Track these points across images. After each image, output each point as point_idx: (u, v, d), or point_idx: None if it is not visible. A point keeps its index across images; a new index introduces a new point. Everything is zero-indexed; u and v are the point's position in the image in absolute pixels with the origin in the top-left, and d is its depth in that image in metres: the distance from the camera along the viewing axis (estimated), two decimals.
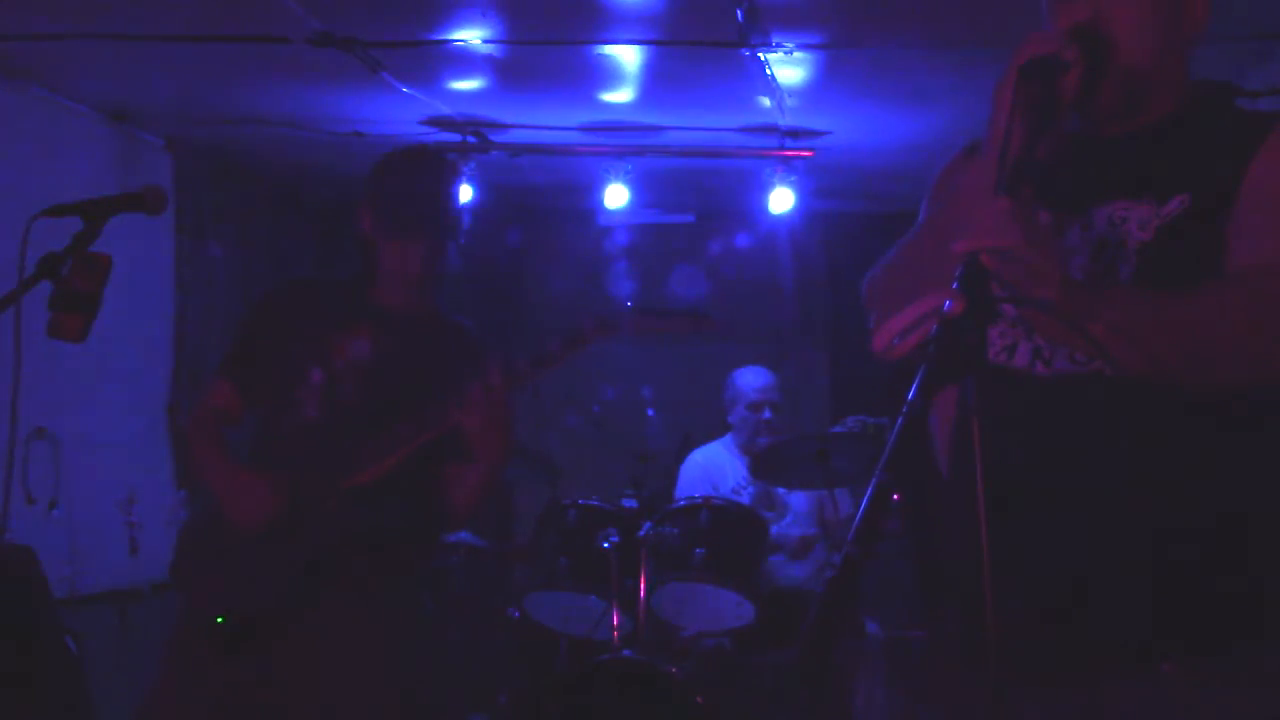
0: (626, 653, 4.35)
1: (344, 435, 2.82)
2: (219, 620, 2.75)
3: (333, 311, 2.95)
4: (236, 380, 2.99)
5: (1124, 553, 1.72)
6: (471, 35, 4.54)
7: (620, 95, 5.26)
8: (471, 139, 5.79)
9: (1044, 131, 1.64)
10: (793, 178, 5.85)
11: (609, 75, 5.02)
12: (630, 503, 5.03)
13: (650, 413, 7.10)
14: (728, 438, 5.46)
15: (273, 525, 2.77)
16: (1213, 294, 1.67)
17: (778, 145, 5.79)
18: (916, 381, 1.44)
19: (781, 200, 5.89)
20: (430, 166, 2.97)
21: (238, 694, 2.77)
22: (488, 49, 4.70)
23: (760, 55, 4.64)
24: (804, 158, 5.80)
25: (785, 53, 4.61)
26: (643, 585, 4.49)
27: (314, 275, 3.14)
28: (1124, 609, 1.72)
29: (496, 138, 5.85)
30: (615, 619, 4.49)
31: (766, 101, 5.22)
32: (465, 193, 5.71)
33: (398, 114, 5.34)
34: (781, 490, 5.23)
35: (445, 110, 5.44)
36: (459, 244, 3.02)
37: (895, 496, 1.38)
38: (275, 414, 2.92)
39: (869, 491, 1.39)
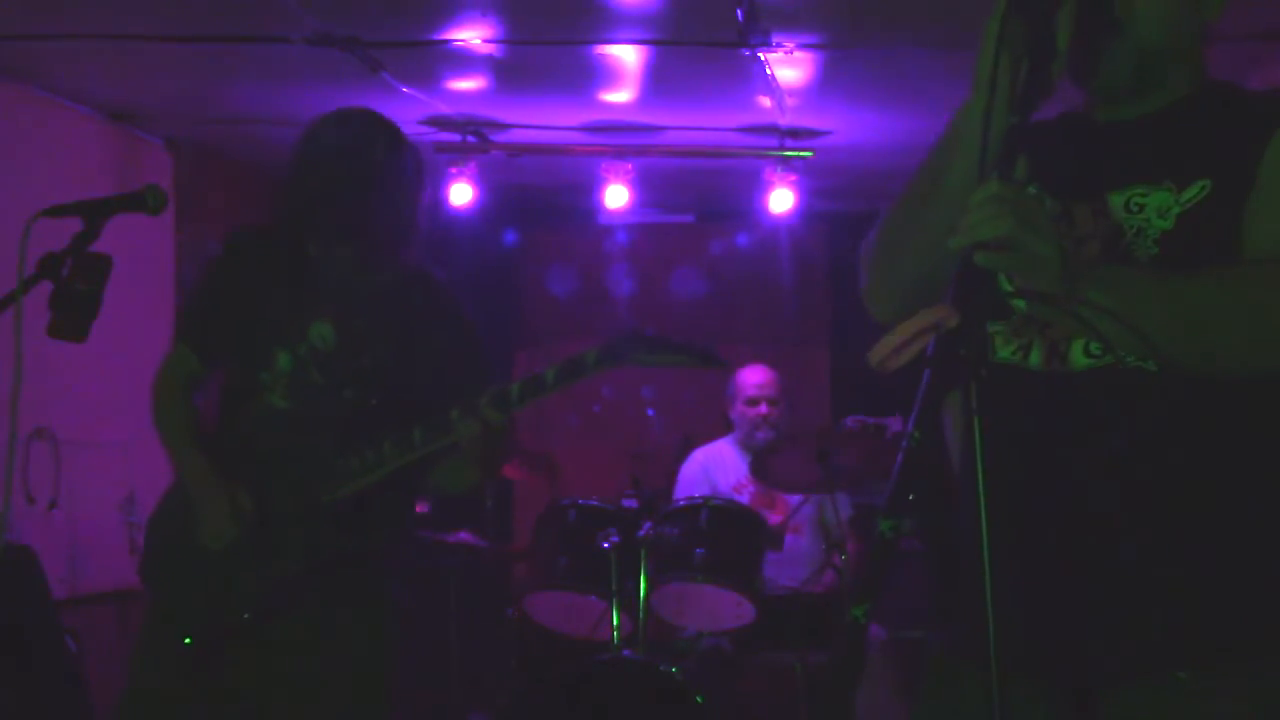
0: (626, 653, 4.35)
1: (315, 427, 2.74)
2: (186, 641, 2.69)
3: (294, 281, 2.80)
4: (197, 346, 2.88)
5: (1142, 555, 1.69)
6: (471, 35, 4.54)
7: (620, 95, 5.26)
8: (471, 139, 5.79)
9: (1035, 84, 1.56)
10: (793, 178, 5.85)
11: (609, 75, 5.01)
12: (630, 503, 5.03)
13: (650, 413, 7.11)
14: (731, 436, 5.47)
15: (243, 541, 2.71)
16: (1222, 277, 1.63)
17: (778, 145, 5.79)
18: (919, 397, 1.42)
19: (781, 200, 5.89)
20: (352, 146, 2.78)
21: (208, 702, 2.72)
22: (488, 49, 4.70)
23: (760, 55, 4.64)
24: (804, 158, 5.80)
25: (785, 53, 4.61)
26: (643, 585, 4.49)
27: (262, 230, 2.95)
28: (1140, 614, 1.69)
29: (496, 138, 5.85)
30: (615, 619, 4.49)
31: (766, 101, 5.22)
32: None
33: (398, 114, 5.28)
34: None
35: (445, 110, 5.44)
36: (403, 203, 2.82)
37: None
38: (241, 397, 2.81)
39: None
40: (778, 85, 4.98)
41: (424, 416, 2.67)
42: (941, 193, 1.68)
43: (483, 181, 5.91)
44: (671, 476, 5.52)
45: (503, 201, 6.61)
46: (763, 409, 5.33)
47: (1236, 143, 1.70)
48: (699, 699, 4.17)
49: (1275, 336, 1.62)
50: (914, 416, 1.42)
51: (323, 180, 2.75)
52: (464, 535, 5.38)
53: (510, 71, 5.02)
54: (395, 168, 2.79)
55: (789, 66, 4.78)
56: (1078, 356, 1.72)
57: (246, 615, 2.70)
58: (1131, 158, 1.76)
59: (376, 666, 2.81)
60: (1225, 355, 1.63)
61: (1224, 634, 1.68)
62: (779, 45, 4.54)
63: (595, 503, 4.77)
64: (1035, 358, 1.76)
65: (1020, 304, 1.75)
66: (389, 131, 2.83)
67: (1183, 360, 1.62)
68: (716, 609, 4.63)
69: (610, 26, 4.51)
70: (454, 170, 5.84)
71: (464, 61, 4.84)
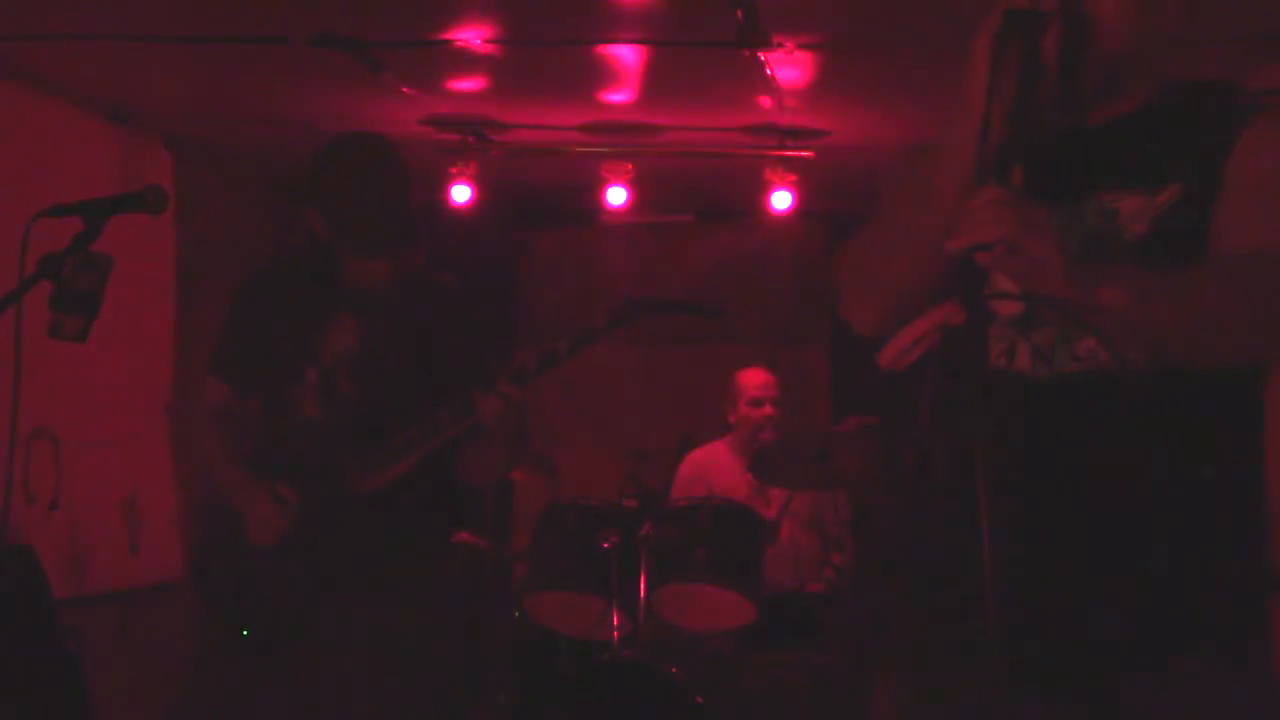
0: (626, 653, 4.34)
1: (347, 432, 2.81)
2: (244, 633, 2.75)
3: (312, 301, 2.91)
4: (229, 378, 2.98)
5: (1132, 550, 1.69)
6: (471, 35, 4.54)
7: (620, 95, 5.26)
8: (471, 139, 5.79)
9: (1026, 101, 1.59)
10: (793, 178, 5.85)
11: (609, 75, 5.01)
12: (630, 503, 5.03)
13: (650, 413, 7.10)
14: (727, 439, 5.47)
15: (290, 539, 2.77)
16: (1229, 270, 1.64)
17: (778, 145, 5.79)
18: (924, 393, 1.42)
19: (781, 200, 5.89)
20: (372, 166, 2.85)
21: (263, 697, 2.78)
22: (488, 49, 4.70)
23: (760, 55, 4.63)
24: (804, 158, 5.80)
25: (785, 53, 4.61)
26: (643, 585, 4.49)
27: (279, 256, 3.10)
28: (1134, 607, 1.69)
29: (496, 138, 5.85)
30: (615, 619, 4.49)
31: (766, 101, 5.22)
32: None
33: (398, 114, 5.34)
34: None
35: (445, 110, 5.44)
36: (418, 219, 2.94)
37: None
38: (273, 413, 2.91)
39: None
40: (778, 85, 4.98)
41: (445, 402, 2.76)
42: (933, 203, 1.69)
43: (483, 181, 5.91)
44: (671, 476, 5.52)
45: (503, 201, 6.61)
46: (767, 409, 5.34)
47: (1204, 145, 1.71)
48: (699, 699, 4.17)
49: (1268, 335, 1.63)
50: (921, 413, 1.42)
51: (362, 203, 2.82)
52: (464, 535, 5.38)
53: (510, 71, 5.02)
54: (409, 180, 2.90)
55: (789, 66, 4.78)
56: (1064, 359, 1.73)
57: (302, 603, 2.77)
58: (1102, 162, 1.77)
59: (424, 656, 2.88)
60: (1235, 348, 1.64)
61: (1221, 625, 1.69)
62: (779, 45, 4.54)
63: (595, 503, 4.77)
64: (1020, 361, 1.76)
65: (1003, 306, 1.76)
66: (394, 147, 2.94)
67: (1189, 356, 1.63)
68: (716, 609, 4.62)
69: (610, 26, 4.51)
70: (454, 170, 5.84)
71: (464, 61, 4.84)
